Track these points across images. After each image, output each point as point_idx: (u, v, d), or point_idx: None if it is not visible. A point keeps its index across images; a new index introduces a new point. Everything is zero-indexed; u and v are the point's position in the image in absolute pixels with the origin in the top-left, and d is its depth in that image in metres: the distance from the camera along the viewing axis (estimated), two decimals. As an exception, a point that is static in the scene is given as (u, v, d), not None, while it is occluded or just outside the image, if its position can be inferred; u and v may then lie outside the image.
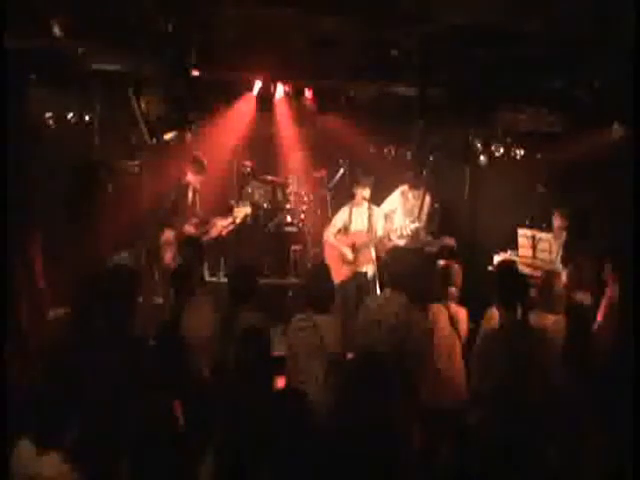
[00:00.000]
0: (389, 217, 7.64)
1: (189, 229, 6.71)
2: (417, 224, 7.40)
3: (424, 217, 7.61)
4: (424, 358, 4.78)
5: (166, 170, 7.26)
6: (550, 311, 4.89)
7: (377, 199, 7.58)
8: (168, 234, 6.57)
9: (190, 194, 6.87)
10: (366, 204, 7.35)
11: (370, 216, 7.33)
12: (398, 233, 7.35)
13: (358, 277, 7.23)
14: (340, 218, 7.40)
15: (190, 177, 6.85)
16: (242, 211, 7.03)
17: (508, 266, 5.10)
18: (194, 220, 6.78)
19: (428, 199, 7.66)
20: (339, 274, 6.70)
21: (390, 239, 7.27)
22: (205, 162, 6.90)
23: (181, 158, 7.14)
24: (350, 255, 7.20)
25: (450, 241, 7.58)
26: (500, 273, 4.97)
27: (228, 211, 7.02)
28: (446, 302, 5.01)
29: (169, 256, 6.48)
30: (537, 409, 4.16)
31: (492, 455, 3.85)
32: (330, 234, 7.37)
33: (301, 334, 4.43)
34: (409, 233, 7.38)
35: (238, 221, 7.02)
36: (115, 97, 7.01)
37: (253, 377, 3.61)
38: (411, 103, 7.29)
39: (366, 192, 7.27)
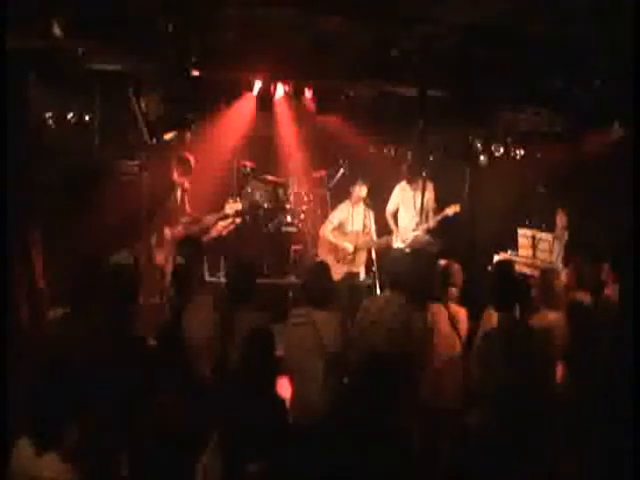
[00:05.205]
0: (395, 216, 7.66)
1: (179, 229, 6.66)
2: (418, 232, 7.41)
3: (430, 212, 7.60)
4: (424, 358, 4.78)
5: (166, 170, 7.25)
6: (550, 308, 4.89)
7: (377, 199, 7.58)
8: (157, 235, 6.57)
9: (179, 194, 6.83)
10: (363, 205, 7.35)
11: (366, 217, 7.34)
12: (401, 237, 7.37)
13: (351, 277, 7.24)
14: (337, 216, 7.40)
15: (177, 177, 6.79)
16: (233, 207, 6.92)
17: (506, 266, 5.10)
18: (184, 219, 6.75)
19: (430, 191, 7.64)
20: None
21: (391, 242, 7.28)
22: (192, 162, 6.81)
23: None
24: (351, 249, 7.21)
25: (455, 208, 7.53)
26: (498, 273, 4.98)
27: (220, 208, 6.97)
28: (446, 302, 5.00)
29: (160, 257, 6.48)
30: (537, 409, 4.16)
31: (492, 455, 3.85)
32: (327, 230, 7.36)
33: (298, 330, 4.44)
34: (410, 238, 7.41)
35: (230, 212, 6.92)
36: (115, 97, 6.99)
37: (259, 377, 3.59)
38: (411, 103, 7.28)
39: (362, 191, 7.27)
